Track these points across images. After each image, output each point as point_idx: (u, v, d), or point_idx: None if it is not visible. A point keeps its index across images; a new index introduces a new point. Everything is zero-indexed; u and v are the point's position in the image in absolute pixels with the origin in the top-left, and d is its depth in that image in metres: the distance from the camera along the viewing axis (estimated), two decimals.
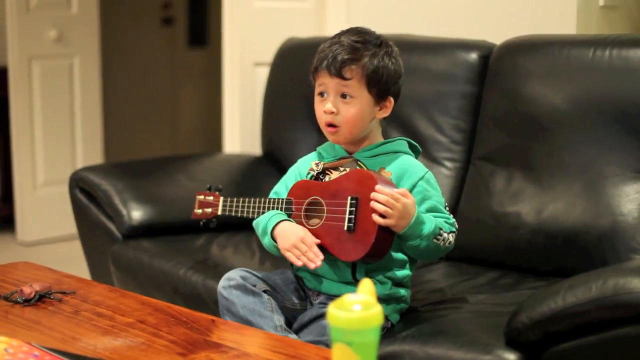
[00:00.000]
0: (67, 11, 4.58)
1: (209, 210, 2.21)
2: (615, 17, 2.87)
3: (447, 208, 1.91)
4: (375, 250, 1.78)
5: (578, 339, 1.61)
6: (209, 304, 2.29)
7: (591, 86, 2.25)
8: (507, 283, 2.20)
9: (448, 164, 2.53)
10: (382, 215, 1.75)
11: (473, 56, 2.54)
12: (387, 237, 1.79)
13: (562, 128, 2.27)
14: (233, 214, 2.14)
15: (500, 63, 2.45)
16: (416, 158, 1.96)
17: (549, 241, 2.21)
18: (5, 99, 4.54)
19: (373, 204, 1.75)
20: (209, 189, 2.24)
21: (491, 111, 2.44)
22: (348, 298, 1.18)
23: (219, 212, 2.19)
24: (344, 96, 1.87)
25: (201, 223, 2.24)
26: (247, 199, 2.08)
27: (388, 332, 1.85)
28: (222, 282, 1.91)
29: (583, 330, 1.60)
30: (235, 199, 2.13)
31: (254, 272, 1.93)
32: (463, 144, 2.52)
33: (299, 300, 1.95)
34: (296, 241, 1.86)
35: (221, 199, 2.19)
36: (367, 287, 1.20)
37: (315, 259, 1.83)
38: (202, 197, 2.24)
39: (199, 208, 2.23)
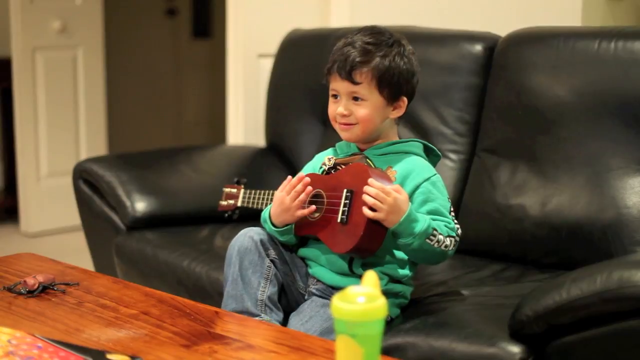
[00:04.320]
0: (70, 2, 4.58)
1: (232, 201, 2.27)
2: (621, 9, 2.86)
3: (453, 214, 1.89)
4: (365, 243, 1.78)
5: (582, 332, 1.61)
6: (213, 295, 2.29)
7: (596, 78, 2.24)
8: (511, 275, 2.20)
9: (452, 156, 2.52)
10: (372, 209, 1.75)
11: (478, 48, 2.53)
12: (377, 231, 1.78)
13: (567, 120, 2.26)
14: (251, 205, 2.19)
15: (505, 55, 2.44)
16: (435, 163, 1.96)
17: (553, 233, 2.21)
18: (9, 90, 4.55)
19: (364, 197, 1.76)
20: (237, 182, 2.30)
21: (496, 103, 2.43)
22: (352, 290, 1.17)
23: (239, 204, 2.24)
24: (355, 98, 1.88)
25: (226, 215, 2.29)
26: (265, 192, 2.11)
27: (389, 325, 1.85)
28: (242, 232, 1.93)
29: (587, 323, 1.60)
30: (254, 192, 2.18)
31: (275, 240, 1.95)
32: (467, 136, 2.52)
33: (306, 287, 1.96)
34: (286, 201, 1.88)
35: (242, 191, 2.24)
36: (371, 280, 1.20)
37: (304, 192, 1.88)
38: (227, 189, 2.30)
39: (224, 200, 2.29)
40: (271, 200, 2.08)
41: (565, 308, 1.59)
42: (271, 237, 1.95)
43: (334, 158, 1.97)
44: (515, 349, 1.67)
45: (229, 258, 1.93)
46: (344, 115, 1.89)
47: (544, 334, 1.66)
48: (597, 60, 2.24)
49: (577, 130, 2.24)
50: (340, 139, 2.00)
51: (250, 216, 2.32)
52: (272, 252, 1.92)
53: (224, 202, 2.30)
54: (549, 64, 2.32)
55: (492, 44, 2.53)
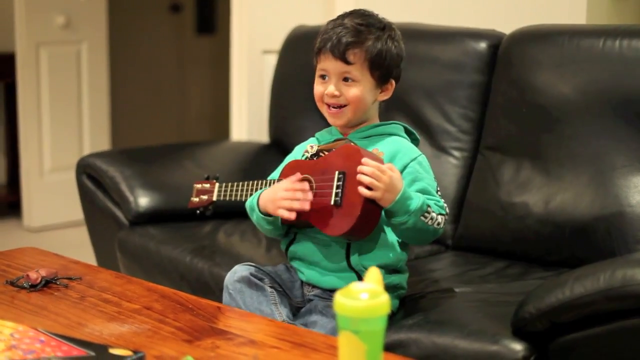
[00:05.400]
0: None
1: (205, 197, 2.19)
2: (626, 7, 2.86)
3: (439, 193, 1.89)
4: (362, 224, 1.76)
5: (585, 330, 1.61)
6: (215, 290, 2.28)
7: (601, 76, 2.24)
8: (514, 273, 2.19)
9: (456, 153, 2.52)
10: (368, 188, 1.74)
11: (482, 45, 2.53)
12: (373, 211, 1.77)
13: (571, 118, 2.26)
14: (228, 198, 2.12)
15: (510, 53, 2.44)
16: (415, 146, 1.96)
17: (557, 231, 2.21)
18: (12, 85, 4.55)
19: (359, 177, 1.74)
20: (207, 178, 2.22)
21: (500, 101, 2.43)
22: (355, 286, 1.17)
23: (214, 198, 2.17)
24: (345, 79, 1.87)
25: (198, 212, 2.21)
26: (241, 183, 2.07)
27: (390, 320, 1.84)
28: (229, 276, 1.90)
29: (590, 321, 1.60)
30: (230, 184, 2.12)
31: (262, 268, 1.92)
32: (471, 134, 2.51)
33: (303, 298, 1.94)
34: (280, 192, 1.84)
35: (217, 185, 2.17)
36: (374, 276, 1.20)
37: (306, 197, 1.82)
38: (199, 185, 2.22)
39: (195, 196, 2.21)
40: (251, 191, 2.02)
41: (569, 306, 1.59)
42: (258, 267, 1.91)
43: (317, 145, 1.95)
44: (518, 346, 1.67)
45: (227, 304, 1.87)
46: (334, 96, 1.87)
47: (547, 332, 1.65)
48: (602, 59, 2.24)
49: (582, 129, 2.24)
50: (321, 128, 1.99)
51: (225, 214, 2.27)
52: (267, 280, 1.89)
53: (195, 199, 2.20)
54: (554, 62, 2.32)
55: (496, 42, 2.52)
